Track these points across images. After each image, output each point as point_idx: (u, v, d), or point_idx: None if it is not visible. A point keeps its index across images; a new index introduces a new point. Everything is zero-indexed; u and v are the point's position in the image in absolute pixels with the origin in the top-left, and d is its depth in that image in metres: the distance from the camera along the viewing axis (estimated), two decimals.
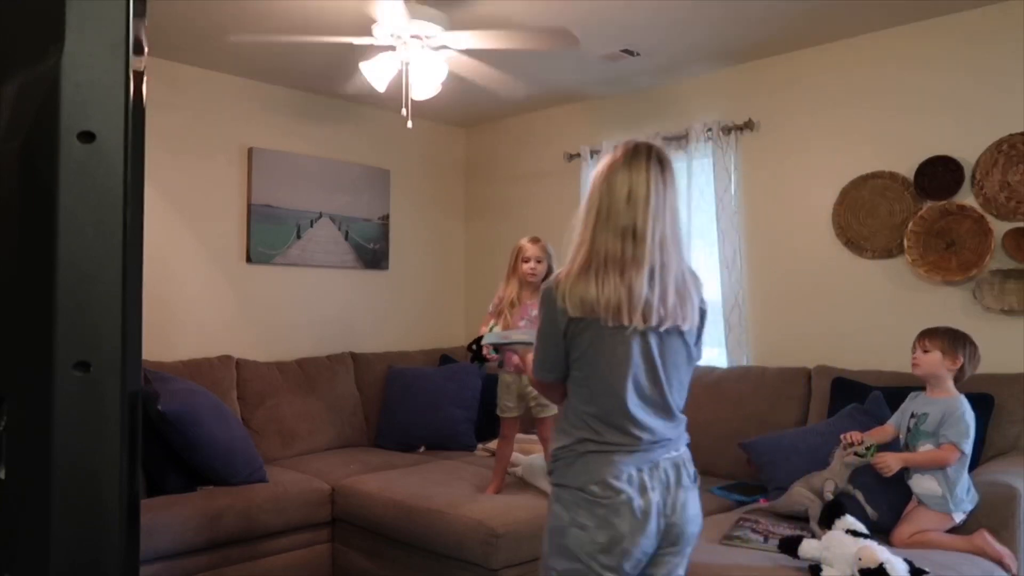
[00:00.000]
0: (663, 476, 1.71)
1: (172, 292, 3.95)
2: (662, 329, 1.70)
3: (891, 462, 2.47)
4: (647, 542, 1.68)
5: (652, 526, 1.67)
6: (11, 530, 0.85)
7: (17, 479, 0.84)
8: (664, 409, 1.76)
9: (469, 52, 3.27)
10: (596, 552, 1.66)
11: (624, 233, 1.69)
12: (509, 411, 3.17)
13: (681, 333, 1.74)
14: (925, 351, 2.55)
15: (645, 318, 1.67)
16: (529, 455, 3.42)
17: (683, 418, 1.82)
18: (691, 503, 1.75)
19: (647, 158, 1.72)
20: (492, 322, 3.10)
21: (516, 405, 3.15)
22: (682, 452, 1.79)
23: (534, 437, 3.46)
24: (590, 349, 1.72)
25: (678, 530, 1.72)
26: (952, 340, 2.52)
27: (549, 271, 3.08)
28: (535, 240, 3.10)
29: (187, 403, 3.19)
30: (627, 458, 1.69)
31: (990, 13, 3.22)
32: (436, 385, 4.25)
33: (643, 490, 1.68)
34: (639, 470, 1.69)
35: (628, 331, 1.68)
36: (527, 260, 3.07)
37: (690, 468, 1.79)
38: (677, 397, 1.79)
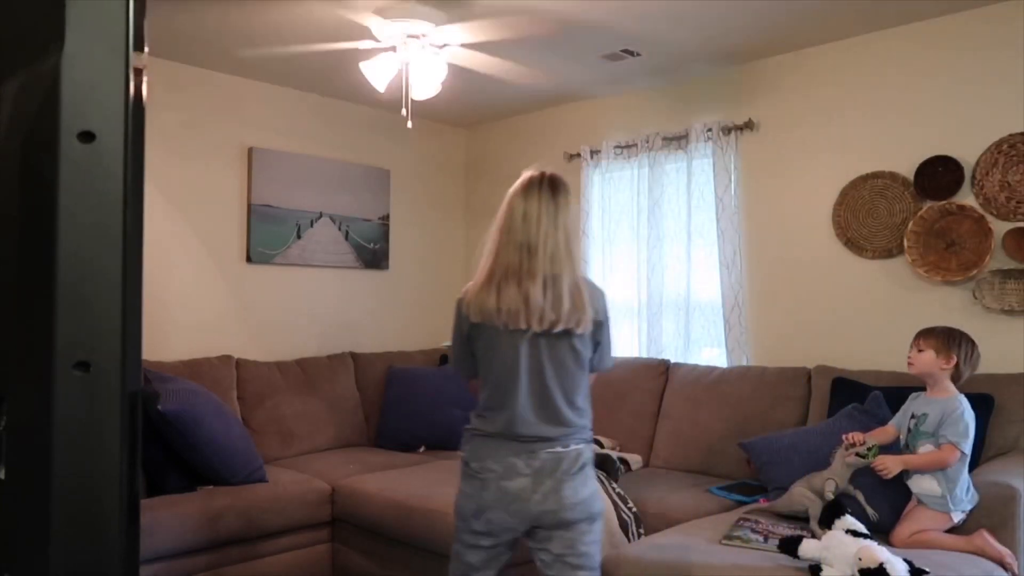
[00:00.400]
0: (539, 466, 1.95)
1: (172, 292, 3.95)
2: (554, 332, 1.94)
3: (890, 465, 2.46)
4: (511, 520, 1.96)
5: (515, 507, 1.95)
6: (11, 530, 0.85)
7: (17, 479, 0.84)
8: (548, 409, 1.97)
9: (470, 47, 3.27)
10: (469, 516, 2.01)
11: (521, 248, 1.95)
12: None
13: (571, 339, 1.96)
14: (920, 350, 2.54)
15: (540, 322, 1.92)
16: None
17: (576, 423, 2.01)
18: (569, 491, 1.95)
19: (539, 186, 2.00)
20: None
21: None
22: (570, 449, 1.98)
23: None
24: (488, 351, 2.00)
25: (554, 515, 1.95)
26: (947, 339, 2.51)
27: None
28: None
29: (187, 403, 3.19)
30: (506, 444, 1.97)
31: (990, 13, 3.22)
32: (436, 385, 4.25)
33: (515, 475, 1.95)
34: (517, 456, 1.95)
35: (521, 335, 1.95)
36: None
37: (575, 462, 1.97)
38: (566, 399, 1.99)
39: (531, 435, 1.96)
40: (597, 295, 2.03)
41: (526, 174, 2.05)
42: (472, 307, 1.98)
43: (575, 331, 1.94)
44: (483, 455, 1.99)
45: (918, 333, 2.59)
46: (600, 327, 2.03)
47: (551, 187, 2.00)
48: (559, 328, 1.92)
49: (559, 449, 1.96)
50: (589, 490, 2.00)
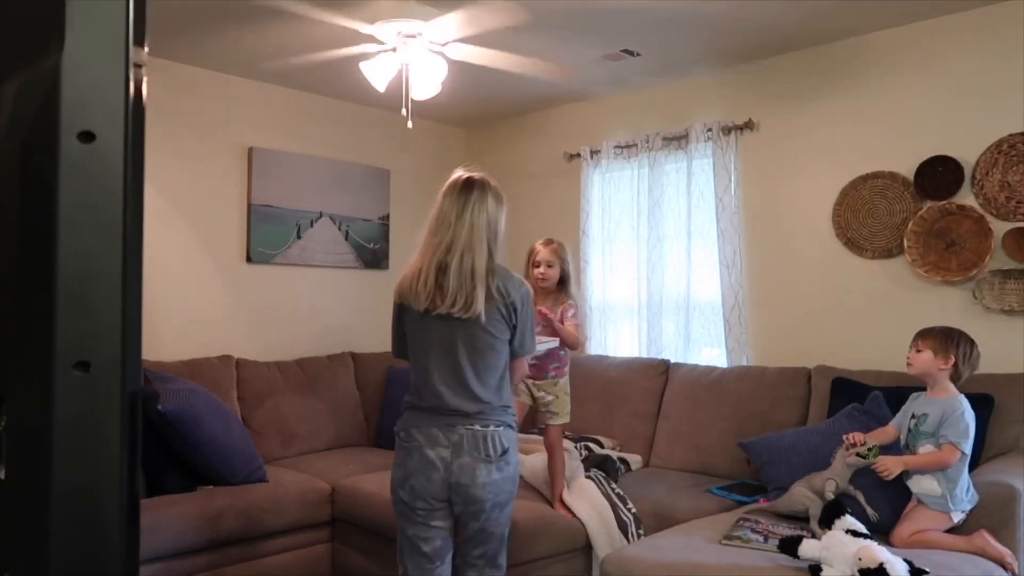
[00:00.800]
0: (457, 440, 2.13)
1: (172, 292, 3.95)
2: (436, 313, 2.12)
3: (891, 466, 2.46)
4: (432, 488, 2.14)
5: (436, 475, 2.13)
6: (11, 530, 0.85)
7: (17, 479, 0.84)
8: (461, 386, 2.16)
9: (470, 42, 3.27)
10: (397, 485, 2.20)
11: (433, 240, 2.18)
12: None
13: (482, 322, 2.12)
14: (918, 351, 2.55)
15: (435, 306, 2.12)
16: (530, 455, 3.42)
17: (490, 400, 2.17)
18: (483, 474, 2.12)
19: (453, 187, 2.24)
20: None
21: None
22: (489, 430, 2.15)
23: (535, 436, 3.46)
24: (410, 330, 2.24)
25: (465, 490, 2.12)
26: (945, 340, 2.51)
27: (564, 276, 2.97)
28: (548, 242, 2.99)
29: (187, 403, 3.19)
30: (430, 417, 2.17)
31: (990, 13, 3.22)
32: None
33: (435, 445, 2.13)
34: (439, 429, 2.14)
35: (429, 317, 2.16)
36: (537, 265, 2.95)
37: (495, 446, 2.14)
38: (477, 376, 2.16)
39: (449, 408, 2.14)
40: (512, 285, 2.18)
41: (451, 176, 2.28)
42: (399, 291, 2.24)
43: (463, 314, 2.10)
44: (411, 425, 2.19)
45: (917, 333, 2.59)
46: (514, 311, 2.18)
47: (463, 187, 2.22)
48: (441, 310, 2.12)
49: (477, 428, 2.14)
50: (503, 475, 2.16)
